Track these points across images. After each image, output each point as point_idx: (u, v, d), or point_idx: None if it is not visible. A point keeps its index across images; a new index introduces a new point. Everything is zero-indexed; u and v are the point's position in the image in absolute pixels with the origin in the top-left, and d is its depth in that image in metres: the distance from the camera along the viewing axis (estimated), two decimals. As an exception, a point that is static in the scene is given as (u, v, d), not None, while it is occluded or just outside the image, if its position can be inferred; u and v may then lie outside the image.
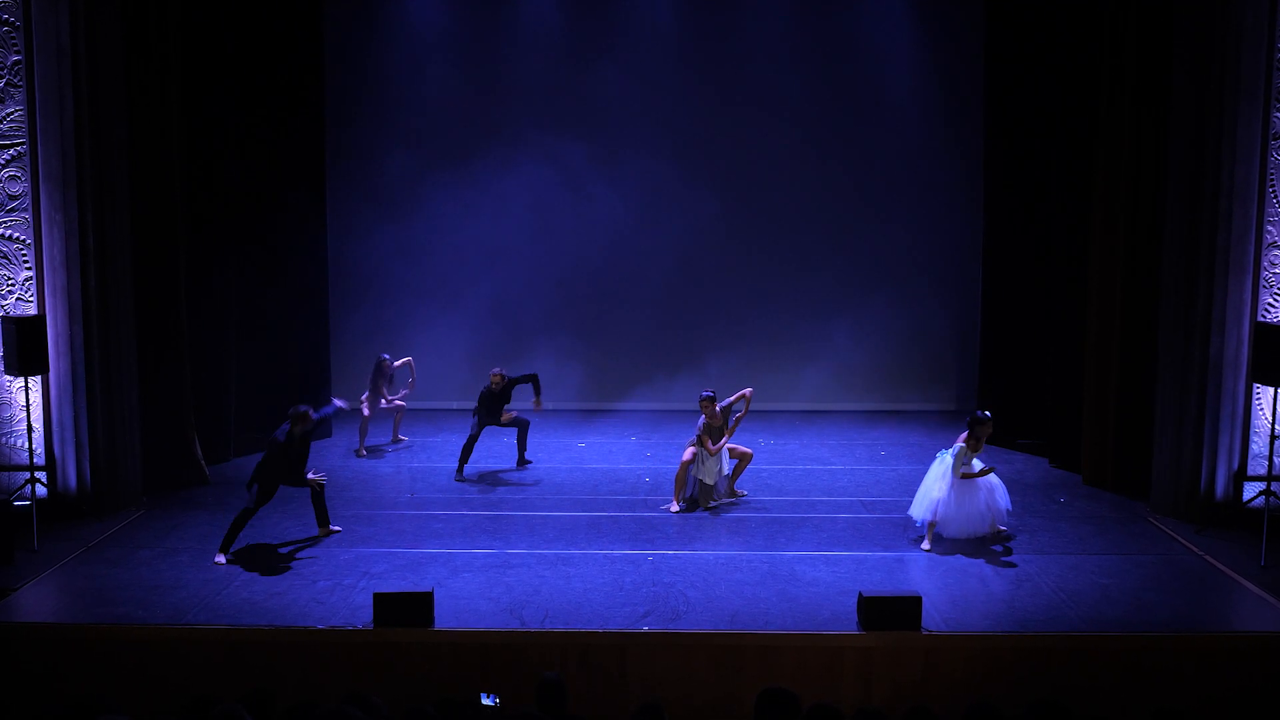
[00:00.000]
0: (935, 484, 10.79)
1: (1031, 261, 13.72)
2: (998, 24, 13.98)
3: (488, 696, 7.04)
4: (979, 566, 10.36)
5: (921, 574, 10.15)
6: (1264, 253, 11.19)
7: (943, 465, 10.80)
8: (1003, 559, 10.52)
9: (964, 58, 15.10)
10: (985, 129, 14.33)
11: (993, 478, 10.84)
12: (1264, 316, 11.22)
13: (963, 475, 10.61)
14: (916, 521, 10.96)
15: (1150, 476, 11.86)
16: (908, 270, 15.63)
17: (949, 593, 9.76)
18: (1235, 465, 11.34)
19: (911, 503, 11.03)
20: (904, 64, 15.25)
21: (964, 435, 10.71)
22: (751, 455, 12.18)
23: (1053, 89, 13.23)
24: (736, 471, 12.11)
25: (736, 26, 15.32)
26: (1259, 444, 11.32)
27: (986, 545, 10.75)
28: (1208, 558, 10.55)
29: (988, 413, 10.83)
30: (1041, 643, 8.99)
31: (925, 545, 10.74)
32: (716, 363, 15.41)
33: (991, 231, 14.23)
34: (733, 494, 12.07)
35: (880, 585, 9.78)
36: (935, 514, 10.72)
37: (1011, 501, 11.11)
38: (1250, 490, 11.22)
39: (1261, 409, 11.33)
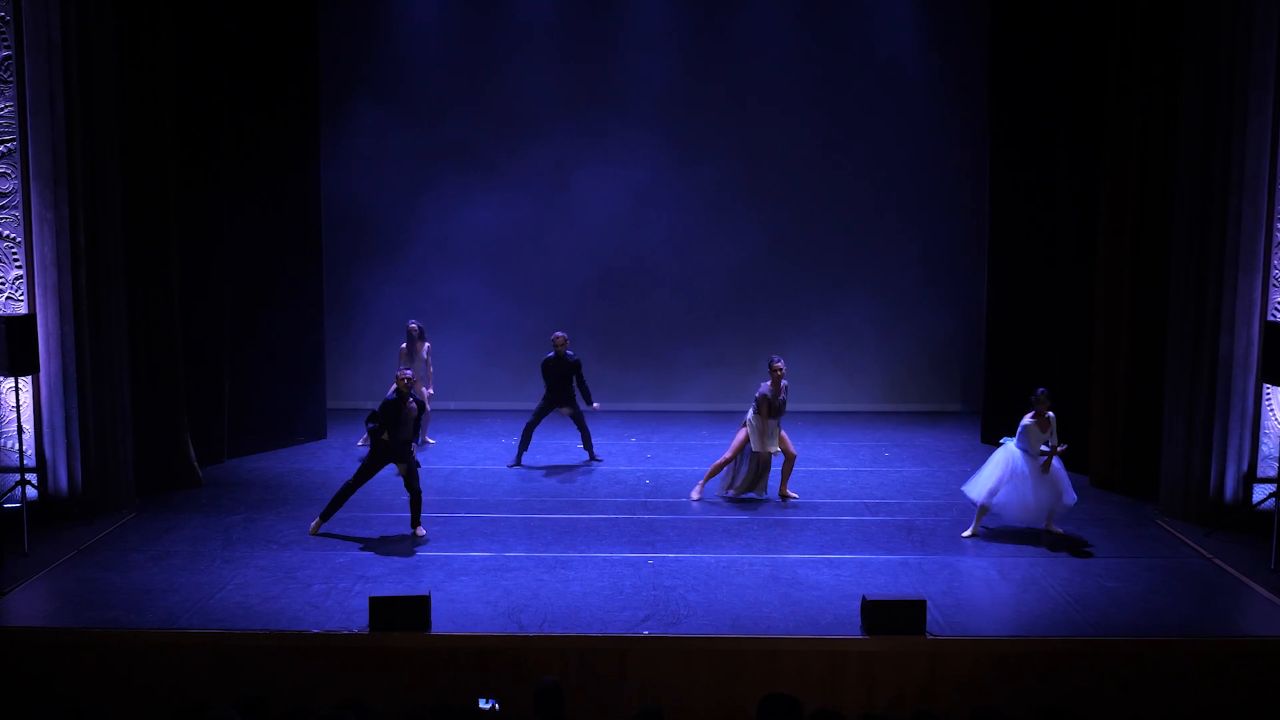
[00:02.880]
0: (996, 469, 10.81)
1: (1038, 261, 13.60)
2: (1003, 20, 13.85)
3: (485, 701, 6.95)
4: (984, 570, 10.25)
5: (926, 577, 10.02)
6: (1274, 251, 11.06)
7: (1006, 452, 10.83)
8: (1008, 561, 10.40)
9: (969, 57, 15.00)
10: (991, 127, 14.19)
11: (1059, 473, 10.78)
12: (1274, 316, 11.09)
13: (1038, 453, 10.63)
14: (973, 500, 10.96)
15: (1158, 478, 11.75)
16: (912, 270, 15.54)
17: (954, 596, 9.66)
18: (1245, 467, 11.22)
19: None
20: (908, 63, 15.18)
21: (1030, 414, 10.75)
22: (796, 455, 12.08)
23: (1059, 86, 13.11)
24: (785, 473, 12.00)
25: (739, 24, 15.21)
26: (1269, 445, 11.20)
27: (1039, 538, 10.85)
28: (1216, 561, 10.44)
29: (1043, 389, 10.81)
30: (1048, 647, 8.89)
31: (967, 532, 10.90)
32: (718, 362, 15.29)
33: (997, 231, 14.10)
34: (785, 496, 11.96)
35: (884, 589, 9.69)
36: (992, 499, 10.77)
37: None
38: (1260, 492, 11.11)
39: (1272, 410, 11.20)
